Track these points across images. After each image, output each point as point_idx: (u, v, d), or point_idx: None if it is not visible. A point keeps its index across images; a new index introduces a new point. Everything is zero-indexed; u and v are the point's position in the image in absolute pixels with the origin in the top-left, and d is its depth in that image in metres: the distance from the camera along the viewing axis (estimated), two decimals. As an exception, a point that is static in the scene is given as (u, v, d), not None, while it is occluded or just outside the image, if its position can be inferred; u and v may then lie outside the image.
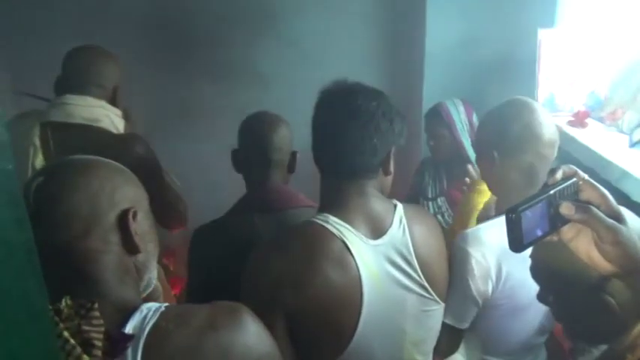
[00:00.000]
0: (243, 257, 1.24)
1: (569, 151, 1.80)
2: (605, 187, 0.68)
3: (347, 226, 1.07)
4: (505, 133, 1.25)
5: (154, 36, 2.57)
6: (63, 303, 0.68)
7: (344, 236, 1.06)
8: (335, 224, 1.07)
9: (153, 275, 0.86)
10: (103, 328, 0.68)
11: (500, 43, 2.19)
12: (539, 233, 0.66)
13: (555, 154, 1.29)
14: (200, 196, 2.10)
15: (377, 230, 1.10)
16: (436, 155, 2.17)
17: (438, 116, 2.08)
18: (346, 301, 1.05)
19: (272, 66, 2.62)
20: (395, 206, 1.15)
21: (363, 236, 1.08)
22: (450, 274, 1.21)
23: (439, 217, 2.15)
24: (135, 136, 1.64)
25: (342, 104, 1.10)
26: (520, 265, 1.07)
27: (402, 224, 1.13)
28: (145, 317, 0.72)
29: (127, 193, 0.81)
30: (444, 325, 1.23)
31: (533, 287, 1.22)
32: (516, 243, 0.64)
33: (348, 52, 2.56)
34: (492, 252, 1.18)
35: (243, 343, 0.74)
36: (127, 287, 0.78)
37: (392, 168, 1.16)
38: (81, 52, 1.63)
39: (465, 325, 1.25)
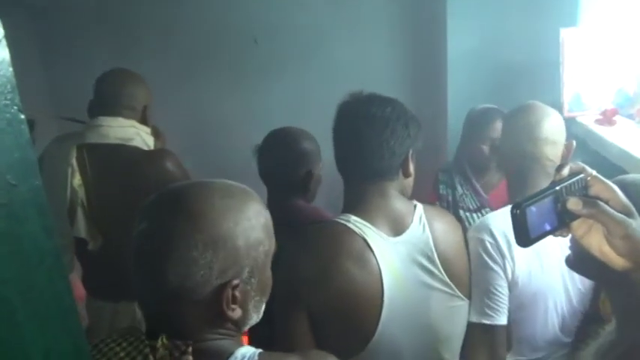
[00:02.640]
0: None
1: (598, 150, 1.77)
2: None
3: (367, 224, 1.12)
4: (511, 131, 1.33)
5: (177, 51, 2.67)
6: (159, 342, 0.70)
7: (365, 234, 1.10)
8: (356, 223, 1.11)
9: (258, 317, 0.83)
10: None
11: (523, 45, 2.17)
12: (547, 228, 0.68)
13: (555, 154, 1.31)
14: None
15: (398, 229, 1.15)
16: (485, 162, 2.02)
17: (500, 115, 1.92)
18: (367, 297, 1.08)
19: (295, 76, 2.66)
20: (415, 206, 1.19)
21: (383, 234, 1.12)
22: (470, 271, 1.24)
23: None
24: (164, 151, 1.72)
25: (359, 113, 1.16)
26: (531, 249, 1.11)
27: (422, 222, 1.17)
28: None
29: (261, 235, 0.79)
30: (473, 328, 1.22)
31: (549, 273, 1.23)
32: (523, 238, 0.66)
33: (370, 62, 2.59)
34: (500, 233, 1.23)
35: None
36: (223, 336, 0.77)
37: (411, 170, 1.20)
38: (111, 76, 1.72)
39: (498, 319, 1.21)
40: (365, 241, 1.09)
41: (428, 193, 2.11)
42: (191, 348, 0.69)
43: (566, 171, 0.69)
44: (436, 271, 1.14)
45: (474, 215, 2.03)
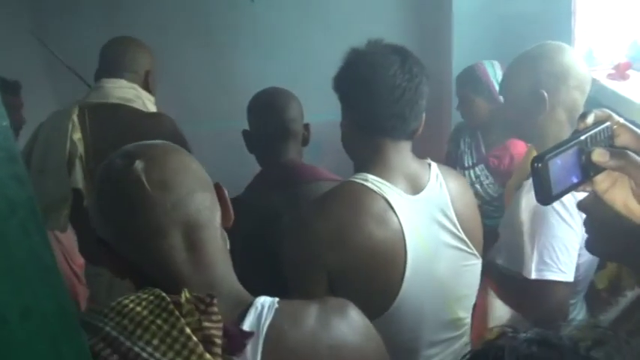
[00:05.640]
0: (262, 234, 1.24)
1: (610, 105, 1.71)
2: None
3: (386, 183, 1.07)
4: (553, 69, 1.24)
5: (171, 13, 2.58)
6: (183, 297, 0.66)
7: (385, 193, 1.06)
8: (374, 182, 1.07)
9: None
10: (221, 325, 0.66)
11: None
12: (570, 183, 0.62)
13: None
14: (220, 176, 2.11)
15: (415, 187, 1.11)
16: (470, 121, 2.06)
17: (474, 79, 1.96)
18: (390, 257, 1.05)
19: (294, 35, 2.57)
20: (429, 164, 1.16)
21: (402, 192, 1.08)
22: (530, 235, 1.21)
23: (477, 186, 2.03)
24: (163, 115, 1.71)
25: (396, 65, 1.07)
26: None
27: (438, 180, 1.14)
28: (260, 314, 0.71)
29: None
30: (543, 284, 1.19)
31: None
32: (544, 194, 0.60)
33: (373, 16, 2.48)
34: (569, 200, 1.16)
35: (352, 341, 0.75)
36: (232, 274, 0.75)
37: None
38: (115, 42, 1.76)
39: (569, 276, 1.20)
40: (386, 200, 1.05)
41: (432, 152, 2.07)
42: (216, 299, 0.66)
43: (590, 118, 0.63)
44: (454, 229, 1.12)
45: (466, 172, 2.06)
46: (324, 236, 1.03)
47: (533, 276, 1.20)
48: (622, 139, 0.63)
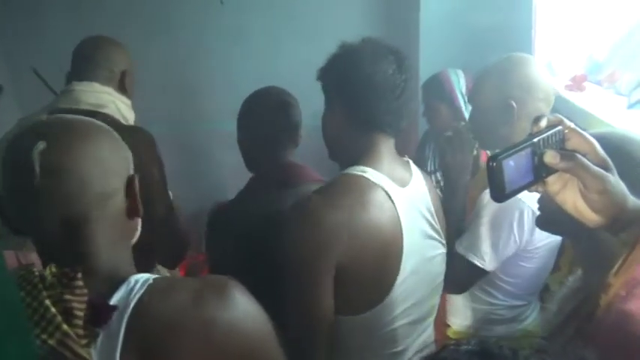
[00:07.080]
0: (265, 234, 1.23)
1: (567, 116, 1.77)
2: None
3: (383, 176, 1.11)
4: (520, 81, 1.29)
5: (138, 13, 2.55)
6: (47, 270, 0.67)
7: (382, 185, 1.10)
8: (373, 174, 1.10)
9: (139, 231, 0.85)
10: (85, 298, 0.67)
11: (495, 10, 2.14)
12: (523, 183, 0.65)
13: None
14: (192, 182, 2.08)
15: (402, 181, 1.15)
16: (435, 128, 2.09)
17: (438, 86, 2.01)
18: (391, 247, 1.09)
19: (263, 39, 2.58)
20: (408, 162, 1.22)
21: (396, 185, 1.12)
22: (480, 221, 1.31)
23: (437, 191, 2.07)
24: (142, 130, 1.55)
25: (394, 65, 1.11)
26: None
27: (419, 175, 1.21)
28: (131, 289, 0.71)
29: (128, 156, 0.79)
30: (469, 264, 1.31)
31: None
32: (498, 192, 0.63)
33: (341, 21, 2.51)
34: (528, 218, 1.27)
35: (227, 321, 0.73)
36: (120, 257, 0.76)
37: None
38: (87, 41, 1.63)
39: (490, 267, 1.32)
40: (384, 190, 1.09)
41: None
42: (80, 274, 0.68)
43: (543, 122, 0.66)
44: (432, 220, 1.19)
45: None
46: (333, 226, 1.04)
47: (460, 251, 1.31)
48: (572, 143, 0.66)
